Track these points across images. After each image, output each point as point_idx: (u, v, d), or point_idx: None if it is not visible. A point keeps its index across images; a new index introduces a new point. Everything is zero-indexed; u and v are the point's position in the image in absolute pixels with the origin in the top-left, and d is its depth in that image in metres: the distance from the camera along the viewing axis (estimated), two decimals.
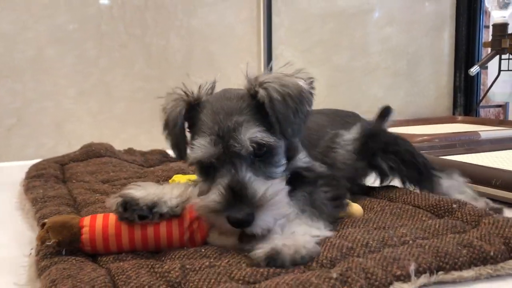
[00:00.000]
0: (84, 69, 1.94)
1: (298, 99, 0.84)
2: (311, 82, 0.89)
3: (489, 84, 2.49)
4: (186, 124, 0.88)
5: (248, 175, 0.78)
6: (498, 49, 2.22)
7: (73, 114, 1.94)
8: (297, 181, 0.89)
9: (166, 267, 0.70)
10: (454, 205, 0.92)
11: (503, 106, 2.80)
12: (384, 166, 1.08)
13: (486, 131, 1.94)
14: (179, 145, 0.87)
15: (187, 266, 0.70)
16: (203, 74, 2.12)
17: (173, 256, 0.76)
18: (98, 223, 0.80)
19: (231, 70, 2.16)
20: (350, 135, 1.11)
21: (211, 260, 0.73)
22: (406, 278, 0.68)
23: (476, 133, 1.91)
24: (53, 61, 1.89)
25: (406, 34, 2.55)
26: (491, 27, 2.36)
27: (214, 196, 0.77)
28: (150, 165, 1.52)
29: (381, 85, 2.53)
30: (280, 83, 0.84)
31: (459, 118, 2.53)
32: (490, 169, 1.25)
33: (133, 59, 2.02)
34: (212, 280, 0.66)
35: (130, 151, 1.63)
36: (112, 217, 0.81)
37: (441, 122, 2.47)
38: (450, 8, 2.63)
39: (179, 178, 1.17)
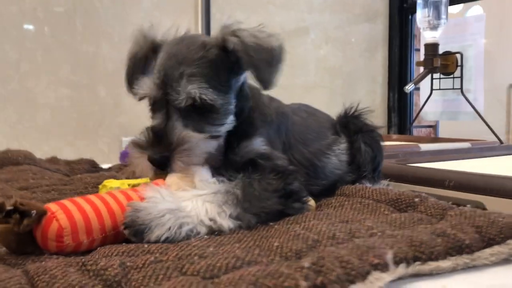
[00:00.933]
0: (2, 73, 1.74)
1: (270, 52, 0.85)
2: (279, 41, 0.88)
3: (421, 104, 2.56)
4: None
5: (175, 124, 0.82)
6: (430, 67, 2.28)
7: None
8: (249, 169, 0.83)
9: (101, 264, 0.56)
10: (416, 199, 0.87)
11: (434, 127, 2.90)
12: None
13: (425, 144, 1.97)
14: (129, 76, 0.92)
15: (128, 264, 0.57)
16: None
17: (109, 253, 0.62)
18: (72, 208, 0.69)
19: None
20: (345, 144, 1.10)
21: (157, 255, 0.60)
22: (384, 267, 0.60)
23: (416, 145, 1.93)
24: None
25: (342, 54, 2.58)
26: (422, 48, 2.43)
27: (142, 135, 0.83)
28: (76, 174, 1.35)
29: (320, 103, 2.50)
30: (252, 34, 0.85)
31: (394, 136, 2.56)
32: (442, 171, 1.23)
33: (59, 65, 1.84)
34: (160, 276, 0.54)
35: (53, 160, 1.45)
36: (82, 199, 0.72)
37: None
38: (383, 30, 2.71)
39: (110, 183, 1.03)
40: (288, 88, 2.40)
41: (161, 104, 0.83)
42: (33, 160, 1.34)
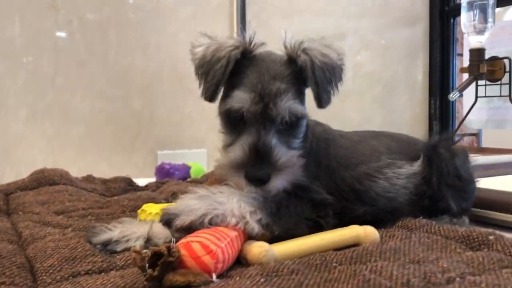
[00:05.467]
0: (38, 88, 1.73)
1: (333, 70, 0.86)
2: (342, 58, 0.91)
3: (464, 112, 2.44)
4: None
5: (274, 140, 0.81)
6: (476, 74, 2.16)
7: (23, 138, 1.70)
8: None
9: None
10: (491, 237, 0.78)
11: (476, 135, 2.76)
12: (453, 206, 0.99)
13: (478, 157, 1.85)
14: (216, 85, 0.86)
15: None
16: (172, 95, 1.95)
17: None
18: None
19: None
20: (408, 169, 1.00)
21: None
22: None
23: None
24: (1, 79, 1.66)
25: (380, 60, 2.49)
26: (466, 53, 2.32)
27: (238, 151, 0.80)
28: (113, 194, 1.31)
29: (357, 111, 2.44)
30: (320, 52, 0.86)
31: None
32: (505, 193, 1.13)
33: (94, 78, 1.82)
34: None
35: (89, 179, 1.42)
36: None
37: None
38: (423, 35, 2.59)
39: (150, 208, 0.98)
40: None
41: (253, 120, 0.81)
42: (70, 180, 1.31)
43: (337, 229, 0.80)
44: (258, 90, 0.81)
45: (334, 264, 0.68)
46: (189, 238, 0.68)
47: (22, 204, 1.07)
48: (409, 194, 0.98)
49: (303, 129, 0.87)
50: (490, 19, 2.16)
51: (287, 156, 0.80)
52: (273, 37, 2.38)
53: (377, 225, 0.88)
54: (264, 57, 0.88)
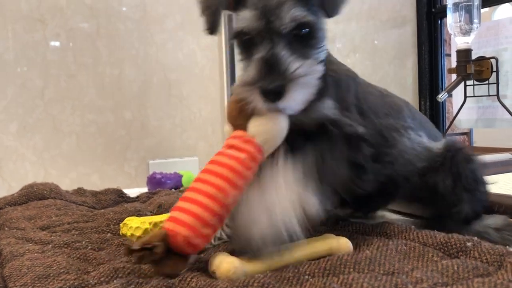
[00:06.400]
0: (28, 102, 1.74)
1: None
2: None
3: (454, 112, 2.46)
4: None
5: (283, 52, 0.77)
6: (463, 74, 2.18)
7: (14, 152, 1.72)
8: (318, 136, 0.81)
9: None
10: (468, 243, 0.78)
11: (468, 134, 2.78)
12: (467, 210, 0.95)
13: None
14: (214, 12, 0.82)
15: None
16: (162, 103, 1.96)
17: None
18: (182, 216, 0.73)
19: (193, 100, 2.02)
20: (430, 143, 0.96)
21: None
22: None
23: None
24: None
25: (370, 63, 2.50)
26: (453, 54, 2.34)
27: (250, 70, 0.77)
28: (103, 206, 1.32)
29: None
30: None
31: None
32: (491, 195, 1.13)
33: (84, 90, 1.83)
34: None
35: (80, 192, 1.42)
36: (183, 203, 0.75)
37: None
38: (411, 37, 2.61)
39: (131, 222, 0.99)
40: None
41: (262, 36, 0.78)
42: (59, 194, 1.32)
43: (311, 239, 0.80)
44: (260, 7, 0.78)
45: (307, 276, 0.68)
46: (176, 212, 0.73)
47: (9, 220, 1.08)
48: (421, 170, 0.94)
49: (319, 39, 0.82)
50: (475, 20, 2.18)
51: (301, 64, 0.76)
52: None
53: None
54: None
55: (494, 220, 0.99)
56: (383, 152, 0.90)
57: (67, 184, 1.78)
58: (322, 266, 0.71)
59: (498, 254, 0.74)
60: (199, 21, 2.17)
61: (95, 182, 1.83)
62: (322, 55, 0.84)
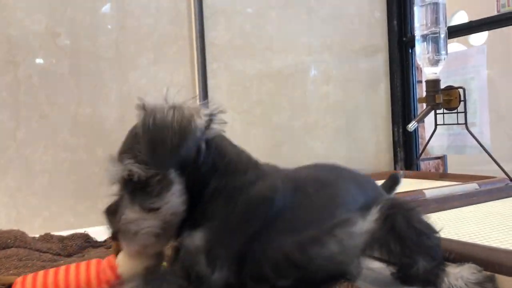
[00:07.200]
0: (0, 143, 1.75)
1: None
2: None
3: (427, 137, 2.51)
4: None
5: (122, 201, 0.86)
6: (432, 104, 2.24)
7: None
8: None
9: None
10: None
11: (442, 158, 2.84)
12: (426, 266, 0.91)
13: (430, 189, 1.90)
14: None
15: None
16: None
17: None
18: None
19: None
20: (363, 225, 0.89)
21: None
22: None
23: (421, 192, 1.87)
24: None
25: (343, 92, 2.55)
26: (424, 83, 2.40)
27: None
28: (69, 252, 1.33)
29: (322, 142, 2.50)
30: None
31: (401, 172, 2.51)
32: (444, 240, 1.16)
33: (56, 129, 1.85)
34: None
35: (46, 237, 1.43)
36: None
37: (383, 177, 2.43)
38: (383, 65, 2.67)
39: None
40: (287, 130, 2.38)
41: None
42: (24, 242, 1.32)
43: None
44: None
45: None
46: None
47: None
48: (359, 253, 0.90)
49: (163, 189, 0.82)
50: (443, 51, 2.24)
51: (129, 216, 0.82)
52: (235, 77, 2.45)
53: None
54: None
55: (468, 271, 0.95)
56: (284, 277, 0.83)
57: (39, 223, 1.80)
58: None
59: None
60: (172, 57, 2.21)
61: (68, 220, 1.84)
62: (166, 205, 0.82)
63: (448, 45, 2.36)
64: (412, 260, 0.89)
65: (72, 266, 0.91)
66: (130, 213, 0.82)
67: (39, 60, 1.82)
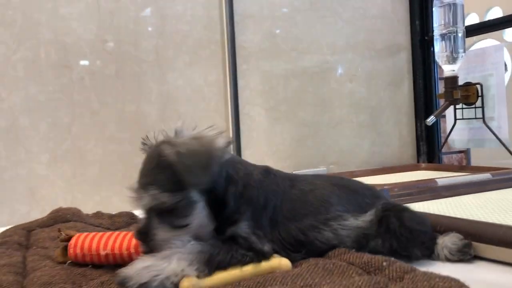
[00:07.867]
0: (57, 136, 2.04)
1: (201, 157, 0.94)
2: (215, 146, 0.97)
3: (448, 131, 2.62)
4: None
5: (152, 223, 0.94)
6: (451, 100, 2.36)
7: (46, 179, 2.01)
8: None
9: None
10: (384, 263, 0.94)
11: (465, 152, 2.93)
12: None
13: (443, 178, 2.03)
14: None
15: None
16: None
17: None
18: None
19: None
20: (354, 222, 1.07)
21: None
22: None
23: (433, 180, 2.00)
24: (26, 130, 1.98)
25: (367, 89, 2.71)
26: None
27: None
28: (117, 227, 1.58)
29: (346, 137, 2.66)
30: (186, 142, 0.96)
31: (423, 165, 2.64)
32: (436, 216, 1.31)
33: (105, 125, 2.12)
34: None
35: (97, 215, 1.69)
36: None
37: (405, 170, 2.57)
38: (406, 63, 2.80)
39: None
40: (312, 126, 2.56)
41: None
42: (80, 217, 1.58)
43: None
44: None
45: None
46: None
47: (37, 240, 1.34)
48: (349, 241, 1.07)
49: (189, 208, 0.93)
50: (460, 50, 2.36)
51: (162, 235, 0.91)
52: (263, 77, 2.65)
53: None
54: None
55: (450, 241, 1.11)
56: (297, 252, 1.03)
57: (91, 206, 2.06)
58: (257, 280, 0.89)
59: (403, 271, 0.89)
60: (206, 59, 2.43)
61: (115, 204, 2.10)
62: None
63: (481, 41, 2.46)
64: (409, 252, 1.06)
65: (121, 234, 1.12)
66: (161, 233, 0.92)
67: (90, 64, 2.09)
